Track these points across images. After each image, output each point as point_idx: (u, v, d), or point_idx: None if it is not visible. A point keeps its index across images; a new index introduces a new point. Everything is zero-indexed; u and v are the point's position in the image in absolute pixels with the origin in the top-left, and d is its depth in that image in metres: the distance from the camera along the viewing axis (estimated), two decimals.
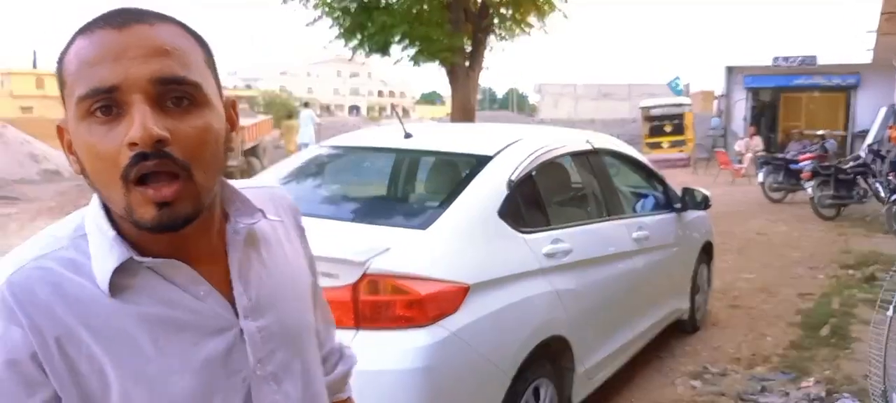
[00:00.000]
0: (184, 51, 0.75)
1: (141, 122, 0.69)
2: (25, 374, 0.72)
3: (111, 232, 0.76)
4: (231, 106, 0.84)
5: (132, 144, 0.69)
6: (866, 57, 17.15)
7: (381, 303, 2.29)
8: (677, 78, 24.22)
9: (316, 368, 0.96)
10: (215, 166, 0.77)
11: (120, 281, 0.75)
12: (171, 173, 0.71)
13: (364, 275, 2.26)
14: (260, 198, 0.91)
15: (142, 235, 0.76)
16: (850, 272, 6.71)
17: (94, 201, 0.80)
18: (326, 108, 78.54)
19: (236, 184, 0.90)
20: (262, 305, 0.85)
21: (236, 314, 0.82)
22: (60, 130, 0.78)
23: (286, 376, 0.87)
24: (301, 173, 3.41)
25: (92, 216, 0.80)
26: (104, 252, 0.76)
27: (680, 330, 4.71)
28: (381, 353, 2.22)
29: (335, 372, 1.12)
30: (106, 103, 0.71)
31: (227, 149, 0.81)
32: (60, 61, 0.75)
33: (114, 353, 0.74)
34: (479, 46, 11.69)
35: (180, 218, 0.73)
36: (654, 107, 20.57)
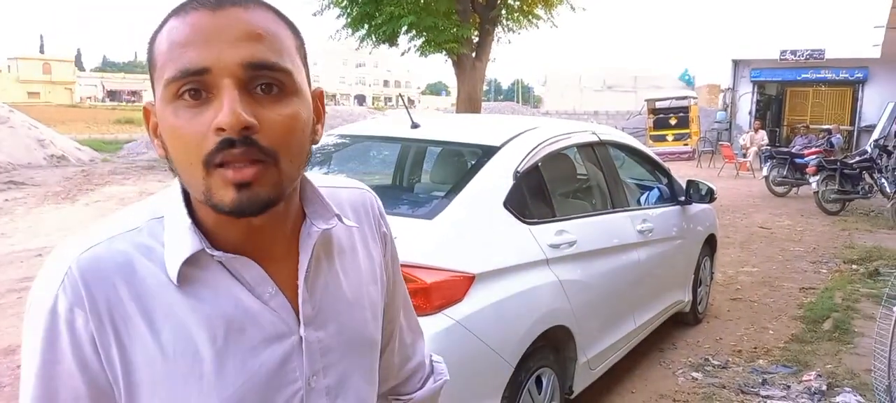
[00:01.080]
0: (276, 36, 0.73)
1: (230, 108, 0.67)
2: (82, 359, 0.72)
3: (187, 221, 0.74)
4: (318, 97, 0.81)
5: (219, 130, 0.67)
6: (874, 51, 17.04)
7: None
8: (686, 70, 24.13)
9: (372, 386, 0.92)
10: (301, 156, 0.75)
11: (189, 272, 0.74)
12: (254, 159, 0.69)
13: None
14: (340, 200, 0.88)
15: (218, 226, 0.75)
16: (854, 267, 6.71)
17: (175, 186, 0.78)
18: (332, 98, 78.50)
19: (320, 181, 0.87)
20: (325, 315, 0.82)
21: (299, 320, 0.79)
22: (147, 112, 0.76)
23: (341, 391, 0.84)
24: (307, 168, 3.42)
25: (171, 201, 0.78)
26: (177, 240, 0.74)
27: (682, 321, 4.74)
28: None
29: (424, 389, 1.07)
30: (195, 86, 0.69)
31: (313, 140, 0.79)
32: (152, 42, 0.73)
33: (169, 348, 0.73)
34: (486, 37, 11.68)
35: (260, 202, 0.70)
36: (660, 99, 20.52)
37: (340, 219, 0.84)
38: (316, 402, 0.81)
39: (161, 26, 0.73)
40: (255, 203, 0.70)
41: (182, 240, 0.74)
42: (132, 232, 0.76)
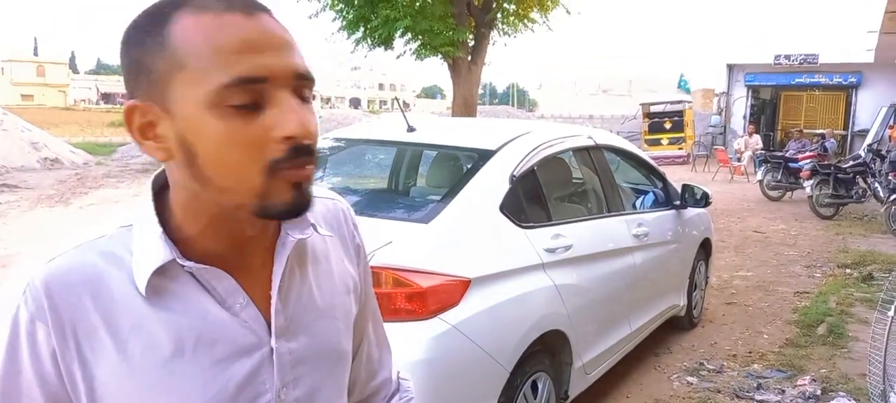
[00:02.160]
0: (299, 46, 0.75)
1: (298, 119, 0.69)
2: (41, 373, 0.72)
3: (158, 229, 0.73)
4: None
5: (289, 138, 0.68)
6: (868, 56, 17.14)
7: (382, 296, 2.31)
8: (682, 75, 24.24)
9: (342, 399, 0.90)
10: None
11: (158, 282, 0.72)
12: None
13: None
14: (314, 210, 0.84)
15: (201, 235, 0.74)
16: (848, 271, 6.74)
17: (146, 193, 0.76)
18: (327, 101, 78.49)
19: None
20: (297, 326, 0.81)
21: (270, 331, 0.78)
22: (132, 111, 0.71)
23: (311, 398, 0.82)
24: None
25: (141, 210, 0.76)
26: (147, 249, 0.72)
27: (677, 326, 4.74)
28: None
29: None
30: (250, 95, 0.68)
31: None
32: (161, 36, 0.68)
33: (135, 361, 0.71)
34: (481, 41, 11.70)
35: (308, 200, 0.73)
36: (655, 103, 20.59)
37: (316, 229, 0.83)
38: None
39: (172, 19, 0.69)
40: (306, 202, 0.72)
41: (152, 250, 0.72)
42: (99, 241, 0.74)
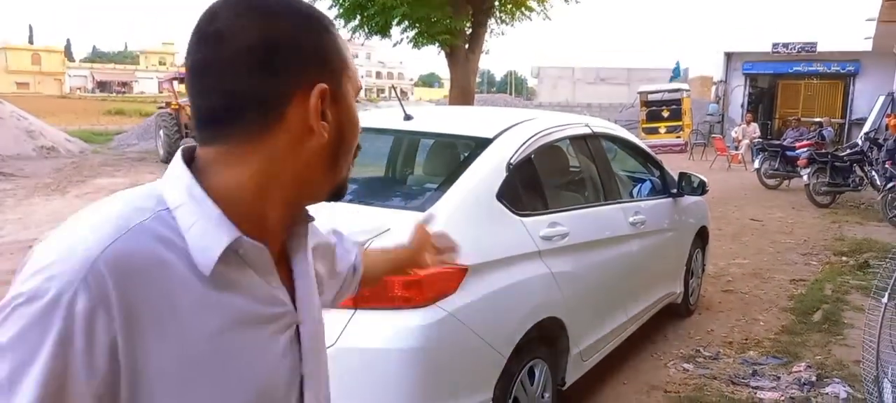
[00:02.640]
0: None
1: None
2: (92, 366, 0.65)
3: (215, 210, 0.72)
4: None
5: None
6: (866, 45, 17.13)
7: (379, 283, 2.32)
8: (678, 63, 24.21)
9: (326, 366, 0.98)
10: None
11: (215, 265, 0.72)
12: None
13: None
14: None
15: (240, 217, 0.75)
16: (844, 259, 6.77)
17: (181, 176, 0.75)
18: None
19: None
20: (308, 302, 0.87)
21: (295, 308, 0.84)
22: (322, 93, 0.77)
23: (318, 373, 0.89)
24: None
25: (179, 191, 0.74)
26: (207, 229, 0.72)
27: (674, 313, 4.76)
28: (379, 333, 2.25)
29: (357, 260, 1.21)
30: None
31: None
32: (336, 39, 0.80)
33: (197, 344, 0.71)
34: (479, 29, 11.66)
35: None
36: (652, 92, 20.56)
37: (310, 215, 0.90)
38: (307, 385, 0.85)
39: (326, 26, 0.79)
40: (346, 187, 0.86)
41: (215, 231, 0.72)
42: (147, 224, 0.70)
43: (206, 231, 0.72)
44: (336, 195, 0.83)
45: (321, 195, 0.82)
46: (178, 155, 0.77)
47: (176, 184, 0.75)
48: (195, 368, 0.71)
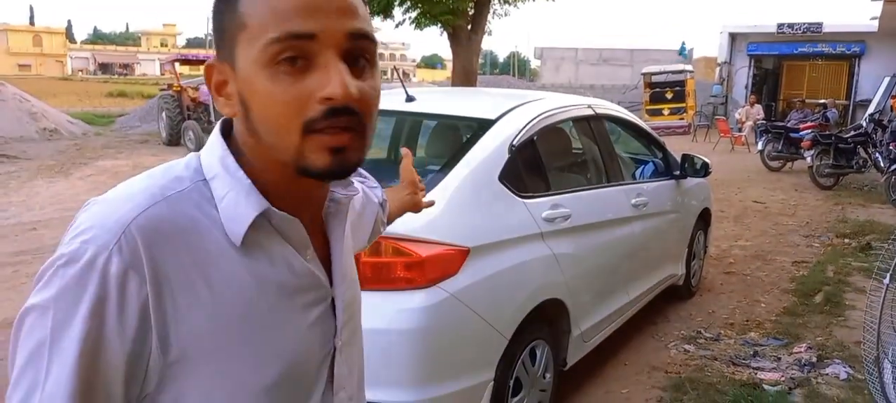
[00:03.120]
0: (366, 10, 0.75)
1: (340, 80, 0.69)
2: (125, 326, 0.67)
3: (246, 181, 0.74)
4: None
5: (327, 99, 0.69)
6: (872, 25, 16.97)
7: (382, 265, 2.33)
8: (683, 43, 24.04)
9: (361, 339, 0.99)
10: (376, 125, 0.78)
11: (248, 234, 0.74)
12: (350, 127, 0.72)
13: None
14: None
15: (275, 188, 0.76)
16: (846, 241, 6.77)
17: (218, 148, 0.77)
18: None
19: None
20: (346, 276, 0.88)
21: (331, 281, 0.84)
22: (210, 69, 0.76)
23: (353, 345, 0.90)
24: None
25: (216, 162, 0.76)
26: (239, 200, 0.74)
27: (675, 295, 4.78)
28: (381, 313, 2.27)
29: (385, 211, 1.24)
30: (296, 52, 0.69)
31: None
32: (237, 1, 0.72)
33: (229, 311, 0.72)
34: (482, 10, 11.58)
35: (350, 166, 0.73)
36: (656, 73, 20.45)
37: (355, 189, 0.89)
38: (339, 359, 0.86)
39: None
40: (345, 167, 0.73)
41: (245, 201, 0.74)
42: (185, 193, 0.73)
43: (237, 201, 0.74)
44: (309, 174, 0.73)
45: (289, 173, 0.74)
46: (217, 126, 0.80)
47: (212, 155, 0.78)
48: (226, 335, 0.72)
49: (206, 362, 0.72)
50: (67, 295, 0.66)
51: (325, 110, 0.69)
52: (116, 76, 65.24)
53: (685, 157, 4.46)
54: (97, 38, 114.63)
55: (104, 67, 77.78)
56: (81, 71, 71.84)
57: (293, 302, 0.78)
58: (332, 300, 0.84)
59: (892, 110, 13.71)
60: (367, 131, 0.74)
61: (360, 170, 1.15)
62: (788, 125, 12.85)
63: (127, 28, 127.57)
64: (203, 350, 0.71)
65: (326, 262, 0.85)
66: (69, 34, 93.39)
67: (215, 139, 0.78)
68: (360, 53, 0.73)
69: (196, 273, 0.71)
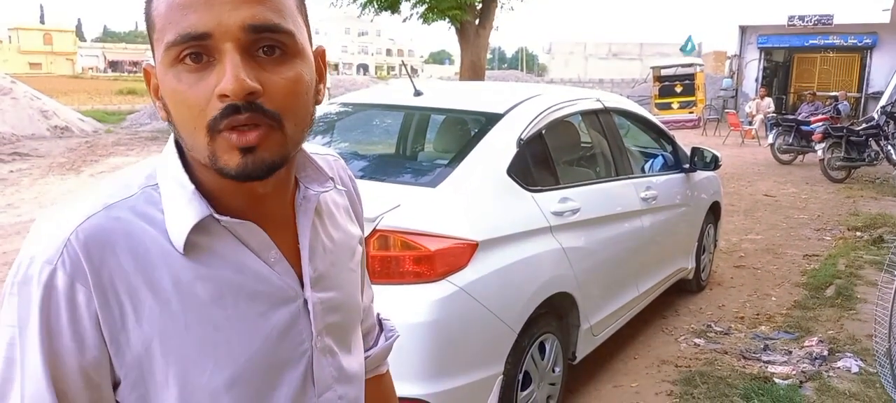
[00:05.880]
0: None
1: (233, 74, 0.66)
2: (81, 337, 0.68)
3: (190, 186, 0.72)
4: (320, 56, 0.80)
5: (223, 96, 0.66)
6: (884, 16, 16.80)
7: (390, 259, 2.33)
8: (690, 37, 23.87)
9: (360, 342, 0.96)
10: (305, 119, 0.74)
11: (195, 239, 0.72)
12: (259, 123, 0.68)
13: (374, 231, 2.30)
14: (328, 166, 0.88)
15: (222, 191, 0.74)
16: (858, 234, 6.71)
17: (170, 151, 0.76)
18: (335, 67, 78.09)
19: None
20: (325, 277, 0.83)
21: (301, 284, 0.80)
22: (147, 73, 0.75)
23: (340, 349, 0.86)
24: (311, 131, 3.42)
25: (167, 167, 0.75)
26: (181, 206, 0.72)
27: (685, 289, 4.76)
28: (390, 308, 2.26)
29: (378, 346, 1.09)
30: (196, 50, 0.67)
31: (317, 100, 0.78)
32: (148, 3, 0.70)
33: (179, 319, 0.71)
34: (489, 4, 11.54)
35: (265, 166, 0.69)
36: (665, 67, 20.33)
37: (335, 183, 0.85)
38: (320, 360, 0.82)
39: None
40: (260, 167, 0.69)
41: (186, 207, 0.72)
42: (129, 200, 0.73)
43: (179, 207, 0.72)
44: (225, 176, 0.70)
45: (218, 174, 0.71)
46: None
47: (164, 159, 0.76)
48: (176, 339, 0.71)
49: (159, 366, 0.71)
50: (22, 313, 0.68)
51: (223, 108, 0.67)
52: (127, 74, 65.58)
53: (694, 150, 4.44)
54: (107, 36, 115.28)
55: (114, 65, 78.24)
56: (92, 69, 72.32)
57: (253, 305, 0.75)
58: (306, 302, 0.80)
59: None
60: (285, 126, 0.70)
61: (383, 319, 1.13)
62: (799, 118, 12.75)
63: (136, 26, 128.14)
64: (154, 354, 0.71)
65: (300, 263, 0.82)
66: (79, 33, 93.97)
67: (170, 142, 0.76)
68: (267, 44, 0.69)
69: (140, 279, 0.70)
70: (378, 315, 1.13)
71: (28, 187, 8.90)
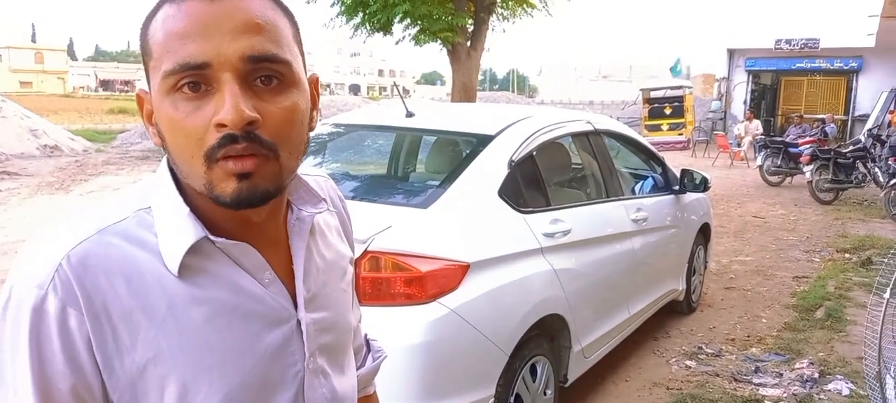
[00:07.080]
0: (275, 26, 0.71)
1: (232, 104, 0.66)
2: (75, 362, 0.68)
3: (184, 209, 0.73)
4: (313, 83, 0.80)
5: (221, 125, 0.67)
6: (869, 41, 17.06)
7: (381, 280, 2.33)
8: (678, 59, 24.14)
9: (353, 364, 0.96)
10: (300, 147, 0.75)
11: (189, 261, 0.72)
12: (255, 152, 0.69)
13: (365, 252, 2.29)
14: (318, 187, 0.89)
15: (214, 214, 0.74)
16: (847, 256, 6.76)
17: (164, 175, 0.76)
18: (327, 87, 78.32)
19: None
20: (318, 298, 0.84)
21: (294, 304, 0.80)
22: (141, 99, 0.75)
23: (333, 370, 0.86)
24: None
25: (161, 190, 0.75)
26: (175, 229, 0.72)
27: (676, 310, 4.76)
28: (380, 330, 2.25)
29: (365, 367, 1.09)
30: (194, 80, 0.68)
31: (310, 128, 0.78)
32: (145, 29, 0.71)
33: (173, 341, 0.71)
34: (481, 26, 11.63)
35: (260, 193, 0.70)
36: (655, 89, 20.53)
37: (328, 205, 0.86)
38: (313, 382, 0.82)
39: (155, 12, 0.71)
40: (255, 195, 0.70)
41: (181, 229, 0.72)
42: (122, 224, 0.73)
43: (174, 230, 0.72)
44: (220, 203, 0.70)
45: (213, 202, 0.71)
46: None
47: (157, 182, 0.77)
48: (170, 361, 0.71)
49: (154, 388, 0.71)
50: (12, 338, 0.68)
51: (220, 137, 0.67)
52: (118, 93, 65.40)
53: (684, 172, 4.47)
54: (99, 55, 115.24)
55: (105, 84, 78.07)
56: (83, 88, 72.13)
57: (247, 325, 0.75)
58: (300, 323, 0.80)
59: (890, 125, 13.75)
60: (280, 155, 0.71)
61: (371, 340, 1.13)
62: (787, 140, 12.88)
63: (128, 46, 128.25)
64: (149, 376, 0.71)
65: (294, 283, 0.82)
66: (71, 52, 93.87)
67: (163, 165, 0.77)
68: (265, 74, 0.70)
69: (134, 303, 0.70)
70: (365, 335, 1.13)
71: (16, 206, 8.82)
